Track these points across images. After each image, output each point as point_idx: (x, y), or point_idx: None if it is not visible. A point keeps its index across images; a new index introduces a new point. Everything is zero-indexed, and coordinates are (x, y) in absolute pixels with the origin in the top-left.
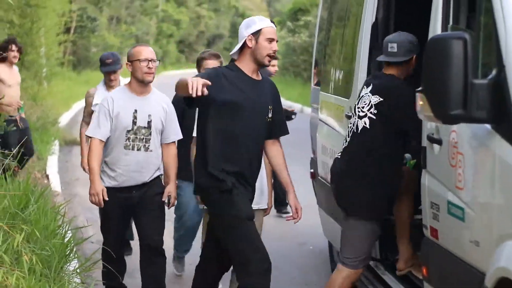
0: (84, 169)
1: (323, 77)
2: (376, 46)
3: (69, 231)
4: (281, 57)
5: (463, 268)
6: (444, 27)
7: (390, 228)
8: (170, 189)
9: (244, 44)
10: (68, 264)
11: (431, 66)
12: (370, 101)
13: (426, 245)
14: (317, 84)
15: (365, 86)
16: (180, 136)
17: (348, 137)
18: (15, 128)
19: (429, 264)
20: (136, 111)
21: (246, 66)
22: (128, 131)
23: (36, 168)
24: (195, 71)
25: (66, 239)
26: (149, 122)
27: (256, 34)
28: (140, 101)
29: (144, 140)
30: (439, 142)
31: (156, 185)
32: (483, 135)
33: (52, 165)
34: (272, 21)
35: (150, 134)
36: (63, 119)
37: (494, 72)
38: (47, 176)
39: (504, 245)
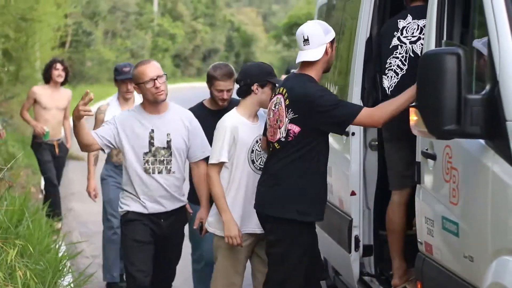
0: (89, 194)
1: None
2: (370, 61)
3: (63, 246)
4: (277, 71)
5: (457, 283)
6: (438, 42)
7: (385, 243)
8: (202, 214)
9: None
10: (62, 279)
11: (425, 81)
12: None
13: (421, 260)
14: None
15: None
16: (209, 152)
17: None
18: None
19: (424, 279)
20: (152, 131)
21: (317, 75)
22: (146, 153)
23: (31, 182)
24: (191, 85)
25: (60, 254)
26: (168, 142)
27: (333, 42)
28: (157, 119)
29: (164, 161)
30: (433, 157)
31: (182, 214)
32: (477, 150)
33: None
34: None
35: (171, 154)
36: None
37: (487, 87)
38: (41, 191)
39: (498, 260)
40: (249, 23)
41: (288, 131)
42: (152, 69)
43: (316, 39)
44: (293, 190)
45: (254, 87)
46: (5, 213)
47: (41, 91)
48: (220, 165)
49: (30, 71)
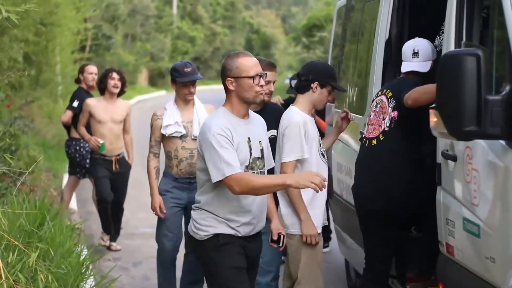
0: (155, 211)
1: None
2: (389, 62)
3: (85, 249)
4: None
5: (479, 284)
6: (458, 43)
7: (408, 244)
8: (278, 225)
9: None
10: (84, 282)
11: (445, 82)
12: None
13: (442, 262)
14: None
15: None
16: (273, 163)
17: None
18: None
19: (446, 280)
20: (249, 139)
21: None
22: (246, 166)
23: (52, 186)
24: (210, 87)
25: (82, 257)
26: (261, 151)
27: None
28: (248, 126)
29: (260, 174)
30: (453, 158)
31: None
32: (497, 151)
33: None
34: None
35: (264, 165)
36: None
37: (507, 88)
38: (62, 194)
39: None
40: (268, 25)
41: (391, 118)
42: (257, 63)
43: (425, 54)
44: (399, 182)
45: (314, 84)
46: (26, 217)
47: (95, 103)
48: (295, 163)
49: (51, 75)
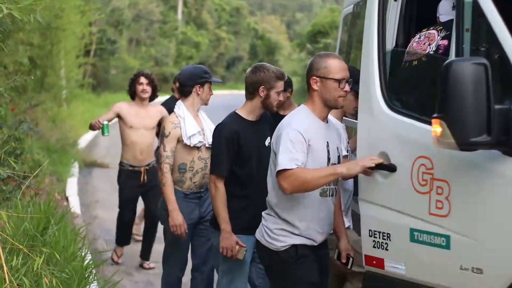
0: (177, 229)
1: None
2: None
3: (88, 254)
4: (301, 79)
5: None
6: (460, 51)
7: None
8: (347, 245)
9: None
10: (87, 287)
11: (450, 91)
12: None
13: (370, 276)
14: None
15: None
16: None
17: None
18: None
19: None
20: (328, 144)
21: None
22: None
23: (56, 190)
24: (215, 92)
25: (86, 262)
26: (339, 157)
27: None
28: (328, 130)
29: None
30: (389, 168)
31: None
32: (488, 161)
33: (72, 187)
34: None
35: None
36: (82, 140)
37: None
38: (66, 198)
39: None
40: (273, 31)
41: (438, 45)
42: (345, 68)
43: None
44: None
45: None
46: (31, 220)
47: (127, 107)
48: None
49: (55, 79)
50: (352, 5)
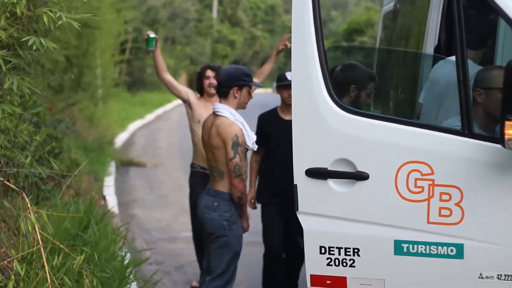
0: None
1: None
2: None
3: (128, 253)
4: None
5: None
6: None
7: None
8: None
9: None
10: (128, 286)
11: None
12: None
13: None
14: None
15: None
16: None
17: None
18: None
19: None
20: None
21: None
22: None
23: (93, 189)
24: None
25: (125, 261)
26: None
27: None
28: None
29: None
30: (358, 177)
31: None
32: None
33: (109, 186)
34: None
35: None
36: (118, 140)
37: None
38: (104, 197)
39: None
40: None
41: None
42: None
43: None
44: None
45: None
46: (71, 220)
47: (196, 100)
48: None
49: (91, 77)
50: (393, 3)
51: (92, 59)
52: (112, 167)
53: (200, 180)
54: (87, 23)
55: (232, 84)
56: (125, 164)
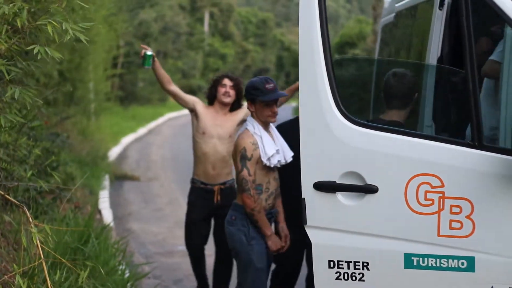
0: (276, 249)
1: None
2: None
3: (126, 267)
4: None
5: None
6: None
7: None
8: None
9: None
10: None
11: None
12: None
13: None
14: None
15: None
16: None
17: None
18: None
19: None
20: None
21: None
22: None
23: (89, 203)
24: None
25: (126, 275)
26: None
27: None
28: None
29: None
30: (367, 190)
31: None
32: None
33: (104, 200)
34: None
35: None
36: (112, 153)
37: None
38: (99, 211)
39: None
40: None
41: None
42: None
43: None
44: None
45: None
46: (70, 234)
47: (204, 109)
48: None
49: (84, 92)
50: (393, 15)
51: (85, 73)
52: (106, 181)
53: (200, 196)
54: (79, 37)
55: (246, 97)
56: (119, 178)
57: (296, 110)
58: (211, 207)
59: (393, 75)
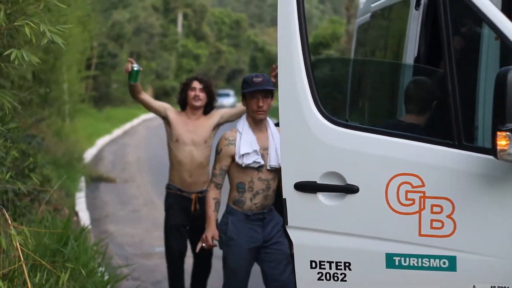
0: (206, 242)
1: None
2: None
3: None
4: None
5: None
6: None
7: None
8: None
9: None
10: None
11: None
12: None
13: None
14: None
15: None
16: None
17: None
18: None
19: None
20: None
21: None
22: None
23: (65, 204)
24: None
25: (105, 277)
26: None
27: None
28: None
29: None
30: (347, 190)
31: None
32: (506, 172)
33: (80, 201)
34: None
35: None
36: (87, 155)
37: None
38: (76, 213)
39: None
40: (273, 43)
41: None
42: None
43: None
44: None
45: None
46: (49, 236)
47: (177, 116)
48: None
49: (58, 93)
50: (369, 15)
51: (59, 74)
52: (82, 183)
53: (177, 202)
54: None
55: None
56: (95, 180)
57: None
58: (189, 214)
59: (414, 81)
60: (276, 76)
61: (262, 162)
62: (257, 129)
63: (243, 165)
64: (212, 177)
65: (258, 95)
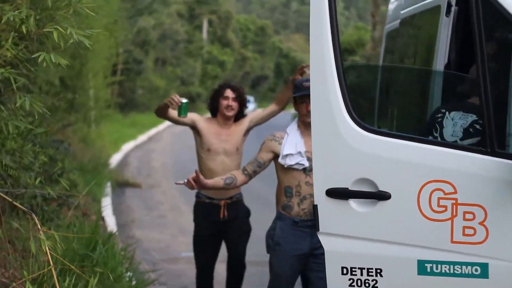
0: (189, 183)
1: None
2: None
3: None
4: None
5: None
6: None
7: None
8: None
9: None
10: None
11: None
12: None
13: None
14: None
15: None
16: None
17: None
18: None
19: None
20: None
21: None
22: None
23: (92, 209)
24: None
25: (133, 282)
26: None
27: None
28: None
29: None
30: (380, 197)
31: None
32: None
33: (107, 207)
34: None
35: None
36: (113, 161)
37: None
38: (102, 218)
39: None
40: (298, 50)
41: None
42: None
43: None
44: None
45: None
46: (78, 241)
47: (208, 125)
48: None
49: (85, 99)
50: (398, 21)
51: (85, 80)
52: (108, 188)
53: (206, 212)
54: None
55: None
56: (121, 185)
57: (295, 115)
58: (218, 223)
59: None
60: (293, 80)
61: (306, 164)
62: (307, 132)
63: (285, 166)
64: (247, 163)
65: (307, 99)
